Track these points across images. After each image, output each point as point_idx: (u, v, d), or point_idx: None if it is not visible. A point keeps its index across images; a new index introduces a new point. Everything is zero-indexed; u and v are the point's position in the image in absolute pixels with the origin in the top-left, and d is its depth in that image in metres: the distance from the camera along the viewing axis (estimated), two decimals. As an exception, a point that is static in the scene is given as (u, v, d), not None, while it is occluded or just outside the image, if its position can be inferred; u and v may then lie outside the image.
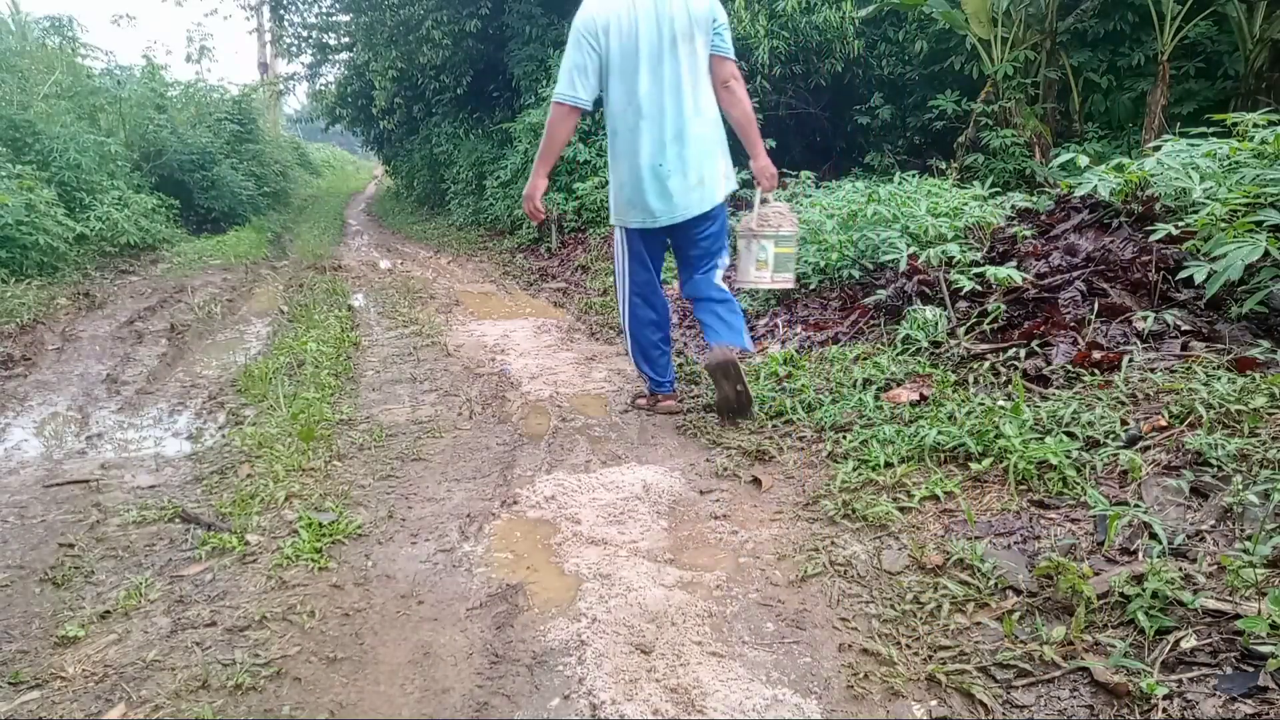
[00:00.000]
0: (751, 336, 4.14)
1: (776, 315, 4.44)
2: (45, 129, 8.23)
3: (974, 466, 2.42)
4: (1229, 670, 1.52)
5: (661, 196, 3.01)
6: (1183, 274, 2.97)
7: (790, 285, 3.50)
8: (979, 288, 3.42)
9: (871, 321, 3.76)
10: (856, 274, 4.27)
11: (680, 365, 3.98)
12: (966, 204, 4.36)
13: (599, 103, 3.10)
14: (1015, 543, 2.05)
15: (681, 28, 2.88)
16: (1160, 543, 1.84)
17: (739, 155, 3.28)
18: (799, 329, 4.10)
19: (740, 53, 8.19)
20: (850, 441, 2.76)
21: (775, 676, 1.71)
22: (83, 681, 1.78)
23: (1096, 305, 3.03)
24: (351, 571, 2.23)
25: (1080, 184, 3.71)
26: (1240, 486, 1.86)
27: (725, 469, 2.78)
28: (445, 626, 1.95)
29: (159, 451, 3.27)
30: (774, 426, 3.09)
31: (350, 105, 15.25)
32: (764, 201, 3.24)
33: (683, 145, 2.97)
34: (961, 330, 3.29)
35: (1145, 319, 2.87)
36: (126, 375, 4.38)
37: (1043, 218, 4.10)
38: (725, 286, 3.21)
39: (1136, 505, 1.99)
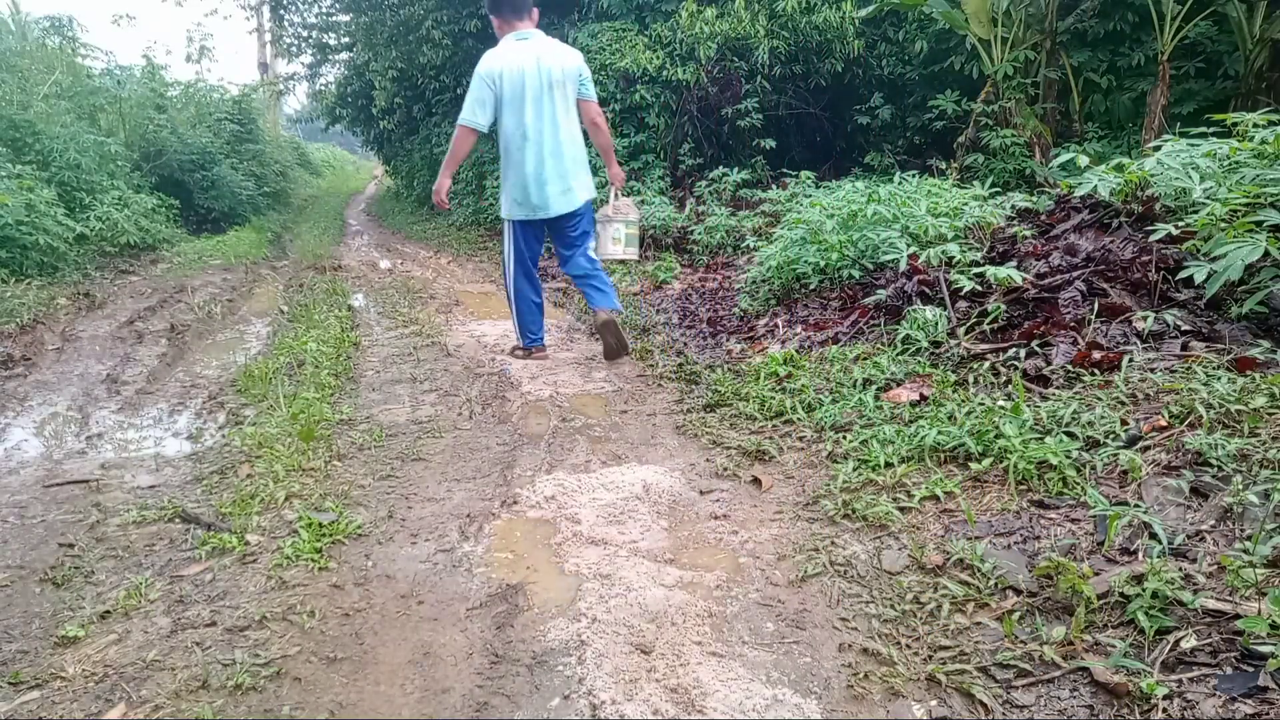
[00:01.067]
0: (751, 337, 4.36)
1: (776, 315, 4.44)
2: (45, 129, 8.23)
3: (974, 466, 2.42)
4: (1229, 670, 1.52)
5: (541, 197, 4.01)
6: (1183, 274, 2.97)
7: (635, 258, 4.79)
8: (979, 288, 3.42)
9: (871, 321, 3.76)
10: (856, 274, 4.27)
11: (680, 365, 3.99)
12: (966, 204, 4.36)
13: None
14: (1015, 543, 2.05)
15: (557, 78, 3.93)
16: (1160, 543, 1.84)
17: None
18: (799, 329, 4.10)
19: (740, 52, 8.26)
20: (850, 441, 2.76)
21: (775, 676, 1.71)
22: (83, 681, 1.78)
23: (1096, 305, 3.03)
24: (351, 571, 2.23)
25: (1080, 184, 3.71)
26: (1240, 486, 1.86)
27: (725, 469, 2.78)
28: (445, 626, 1.95)
29: (159, 451, 3.27)
30: (774, 426, 3.10)
31: (350, 105, 15.24)
32: (616, 197, 4.49)
33: (557, 161, 3.98)
34: (961, 330, 3.29)
35: (1145, 319, 2.87)
36: (126, 375, 4.38)
37: (1043, 218, 4.10)
38: (595, 257, 4.28)
39: (1136, 505, 1.99)
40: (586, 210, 4.18)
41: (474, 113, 3.89)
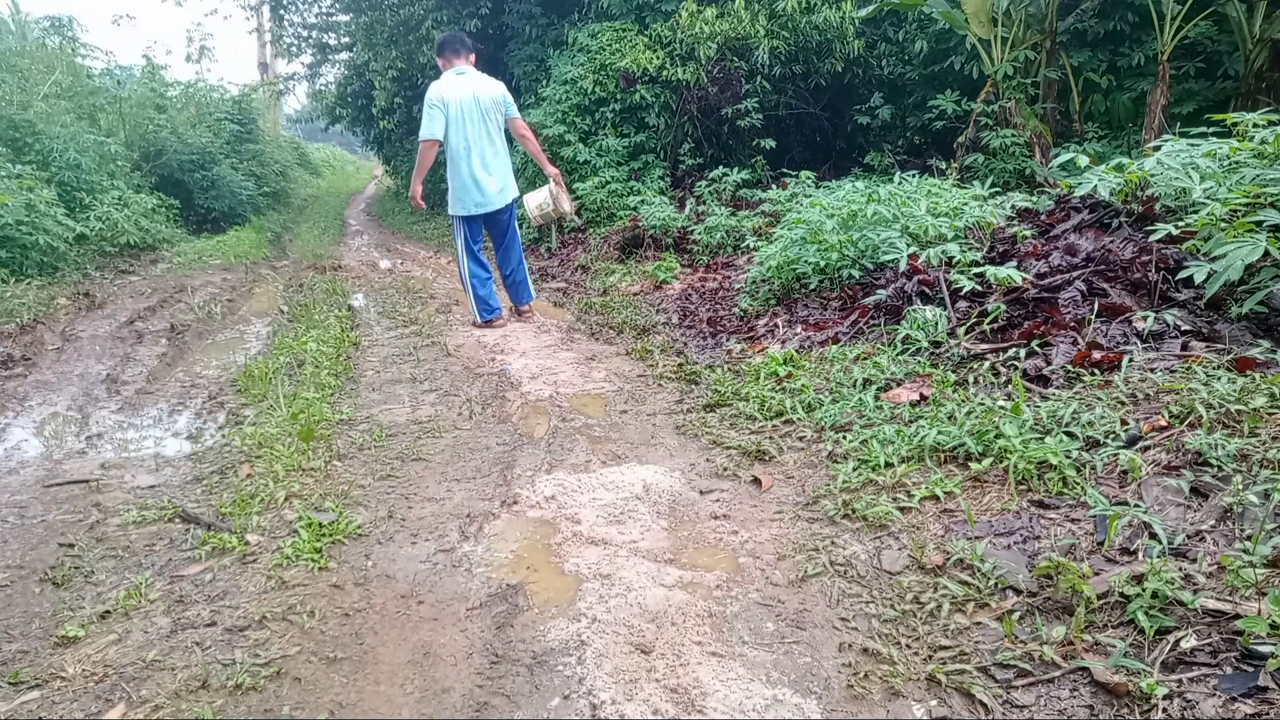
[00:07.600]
0: (751, 337, 4.37)
1: (776, 315, 4.44)
2: (45, 129, 8.23)
3: (974, 466, 2.42)
4: (1229, 670, 1.52)
5: (483, 195, 5.16)
6: (1183, 274, 2.97)
7: (549, 218, 6.44)
8: (979, 288, 3.42)
9: (871, 321, 3.76)
10: (856, 274, 4.27)
11: (680, 365, 3.99)
12: (966, 204, 4.36)
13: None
14: (1015, 543, 2.05)
15: (487, 105, 5.10)
16: (1160, 543, 1.84)
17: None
18: (799, 329, 4.10)
19: (740, 52, 8.26)
20: (850, 441, 2.75)
21: (775, 676, 1.71)
22: (83, 681, 1.78)
23: (1096, 305, 3.03)
24: (351, 571, 2.23)
25: (1080, 184, 3.71)
26: (1240, 486, 1.86)
27: (725, 469, 2.78)
28: (445, 626, 1.95)
29: (159, 451, 3.27)
30: (774, 426, 3.09)
31: (350, 105, 15.23)
32: (555, 185, 5.97)
33: (493, 167, 5.18)
34: (961, 330, 3.29)
35: (1145, 319, 2.87)
36: (126, 375, 4.38)
37: (1043, 218, 4.10)
38: (525, 261, 5.60)
39: (1136, 505, 1.99)
40: (514, 207, 5.42)
41: (431, 130, 5.02)
